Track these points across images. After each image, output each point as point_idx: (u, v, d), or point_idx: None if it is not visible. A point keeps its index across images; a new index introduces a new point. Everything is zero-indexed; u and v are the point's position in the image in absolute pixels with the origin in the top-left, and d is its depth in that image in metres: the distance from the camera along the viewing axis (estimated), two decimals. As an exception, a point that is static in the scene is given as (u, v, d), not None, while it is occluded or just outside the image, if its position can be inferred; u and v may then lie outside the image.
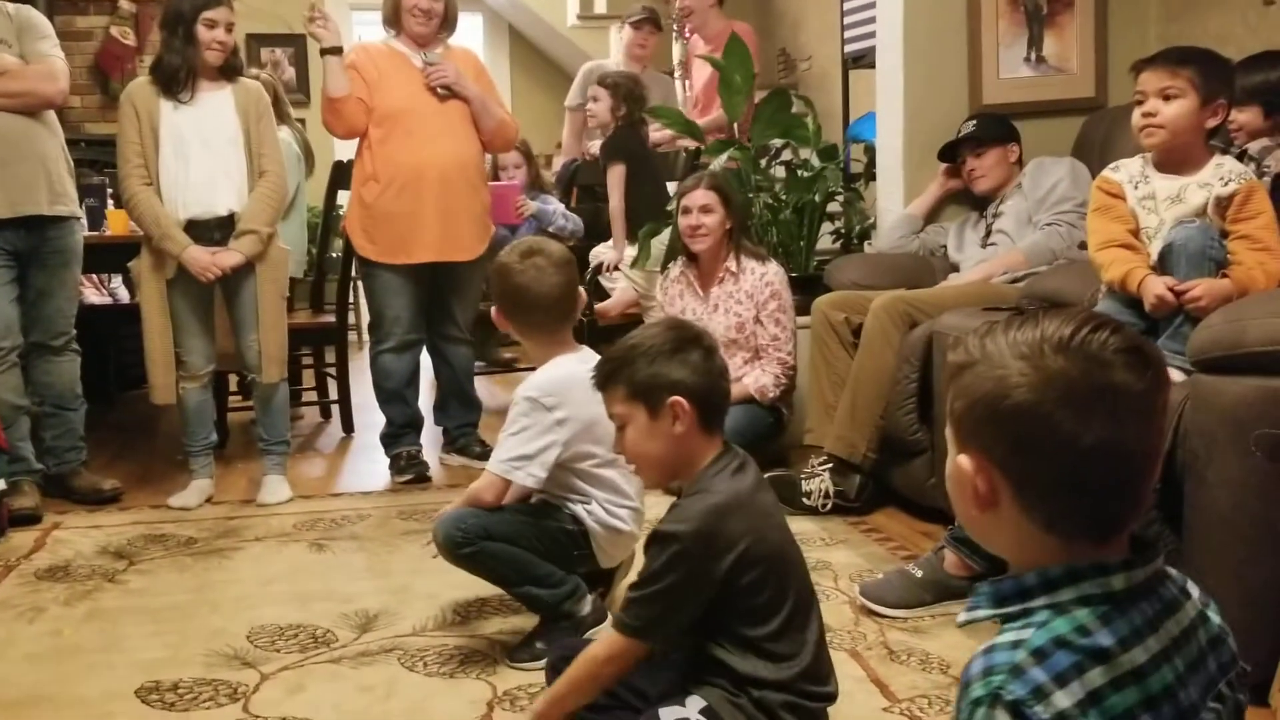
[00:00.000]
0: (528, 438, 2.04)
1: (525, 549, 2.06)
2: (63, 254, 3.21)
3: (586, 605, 2.09)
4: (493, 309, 2.21)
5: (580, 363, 2.07)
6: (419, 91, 3.34)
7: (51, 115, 3.20)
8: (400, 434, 3.50)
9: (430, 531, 2.13)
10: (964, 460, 0.93)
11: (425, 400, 3.72)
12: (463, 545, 2.03)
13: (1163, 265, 2.13)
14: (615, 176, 4.00)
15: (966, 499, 0.94)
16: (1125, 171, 2.28)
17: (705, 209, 3.29)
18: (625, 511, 2.15)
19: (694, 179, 3.38)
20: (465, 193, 3.39)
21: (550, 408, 2.04)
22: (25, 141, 3.09)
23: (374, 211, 3.34)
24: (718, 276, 3.35)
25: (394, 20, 3.41)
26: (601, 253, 4.19)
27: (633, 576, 2.22)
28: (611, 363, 1.60)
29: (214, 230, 3.10)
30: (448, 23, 3.43)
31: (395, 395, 3.48)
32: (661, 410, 1.54)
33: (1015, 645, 0.88)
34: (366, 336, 6.76)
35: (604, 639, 1.58)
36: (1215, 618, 0.97)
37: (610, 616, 1.56)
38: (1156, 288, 2.08)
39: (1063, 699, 0.85)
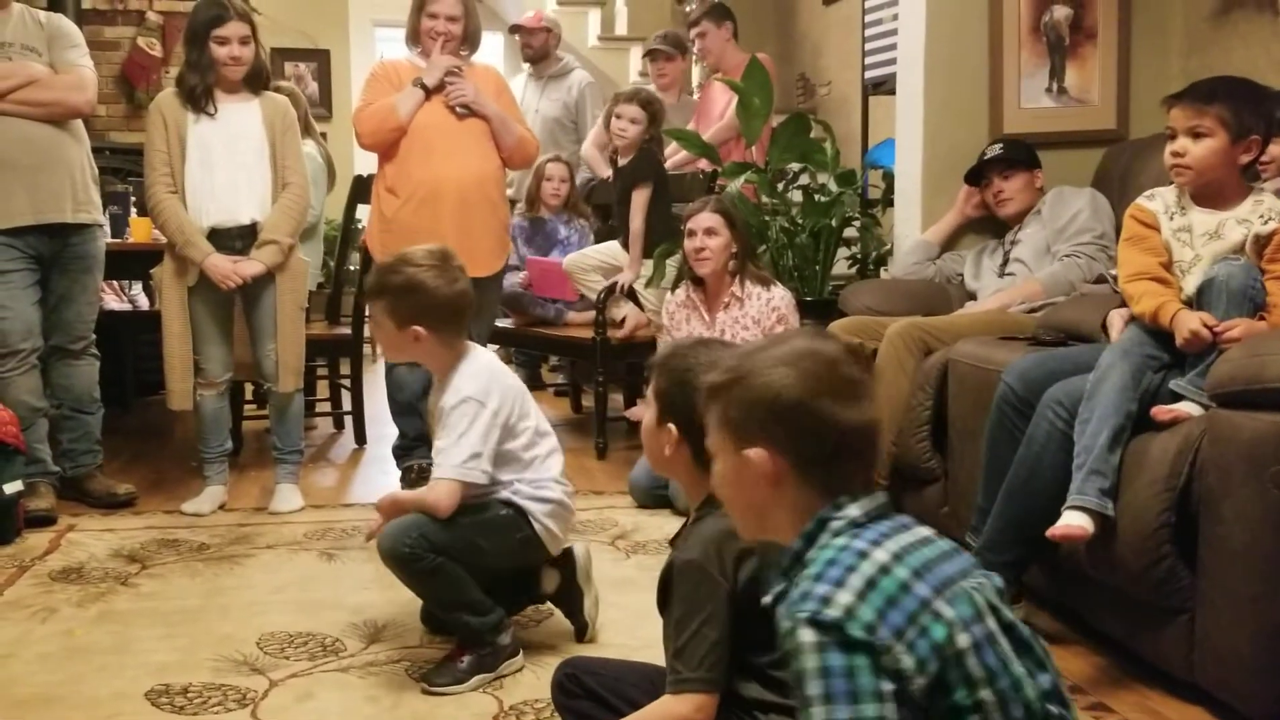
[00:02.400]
0: (474, 437, 2.07)
1: (470, 561, 2.05)
2: (84, 260, 3.24)
3: (508, 636, 2.08)
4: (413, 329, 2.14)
5: (479, 351, 2.21)
6: (439, 108, 3.37)
7: (78, 123, 3.25)
8: (412, 446, 3.51)
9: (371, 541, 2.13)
10: (754, 452, 1.14)
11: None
12: (410, 560, 2.01)
13: (1200, 300, 2.08)
14: (642, 198, 3.99)
15: (753, 485, 1.16)
16: (1161, 201, 2.23)
17: (710, 231, 3.30)
18: (553, 485, 2.17)
19: (700, 202, 3.40)
20: (483, 209, 3.41)
21: (485, 404, 2.09)
22: (52, 149, 3.13)
23: (392, 225, 3.36)
24: (723, 301, 3.36)
25: (415, 39, 3.46)
26: (606, 259, 4.18)
27: (599, 590, 2.24)
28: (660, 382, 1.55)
29: (235, 239, 3.14)
30: (469, 41, 3.46)
31: (408, 407, 3.49)
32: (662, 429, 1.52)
33: (800, 582, 1.09)
34: (380, 350, 6.83)
35: (673, 708, 1.45)
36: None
37: (669, 680, 1.46)
38: (1191, 323, 2.01)
39: (845, 595, 1.04)
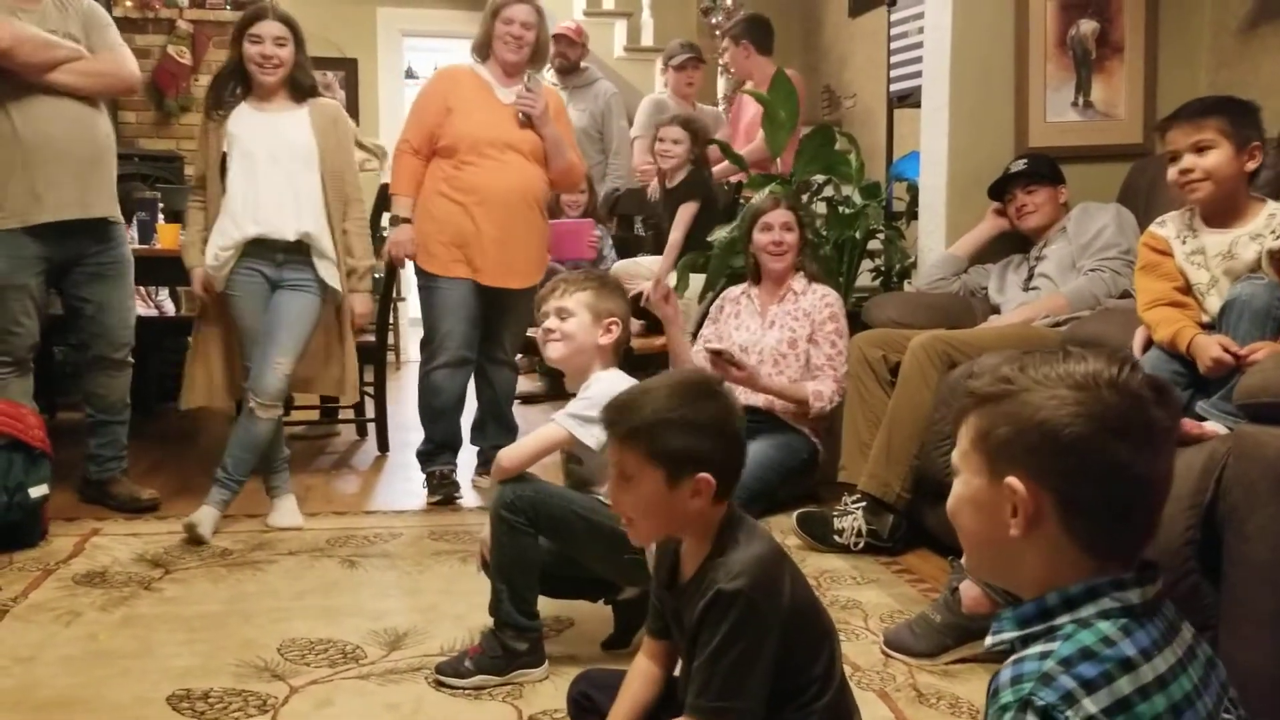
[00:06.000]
0: (598, 405, 2.03)
1: (565, 551, 2.07)
2: (119, 264, 3.24)
3: (525, 645, 2.07)
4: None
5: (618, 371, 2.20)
6: (498, 121, 3.37)
7: (109, 122, 3.24)
8: (437, 452, 3.52)
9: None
10: (1014, 482, 0.97)
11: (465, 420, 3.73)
12: (507, 510, 2.03)
13: (1222, 321, 2.07)
14: (688, 213, 4.16)
15: (1000, 521, 0.99)
16: (1172, 226, 2.23)
17: (786, 226, 3.37)
18: None
19: (769, 199, 3.44)
20: (527, 221, 3.42)
21: None
22: (101, 141, 3.13)
23: (438, 226, 3.36)
24: (779, 294, 3.40)
25: (485, 48, 3.44)
26: (633, 271, 4.22)
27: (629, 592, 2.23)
28: (635, 417, 1.49)
29: (279, 251, 3.11)
30: (539, 54, 3.46)
31: (442, 413, 3.49)
32: (683, 482, 1.46)
33: (1043, 656, 0.94)
34: (405, 357, 6.86)
35: None
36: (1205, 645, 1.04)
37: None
38: (1212, 350, 2.00)
39: (1091, 705, 0.89)
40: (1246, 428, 1.84)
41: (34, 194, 3.00)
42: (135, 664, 2.17)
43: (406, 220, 3.38)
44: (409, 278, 7.51)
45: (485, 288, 3.40)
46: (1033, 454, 0.97)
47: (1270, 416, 1.80)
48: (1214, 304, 2.11)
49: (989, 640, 1.02)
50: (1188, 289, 2.17)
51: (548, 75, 5.43)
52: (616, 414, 1.52)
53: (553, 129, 3.41)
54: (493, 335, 3.53)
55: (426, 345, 3.48)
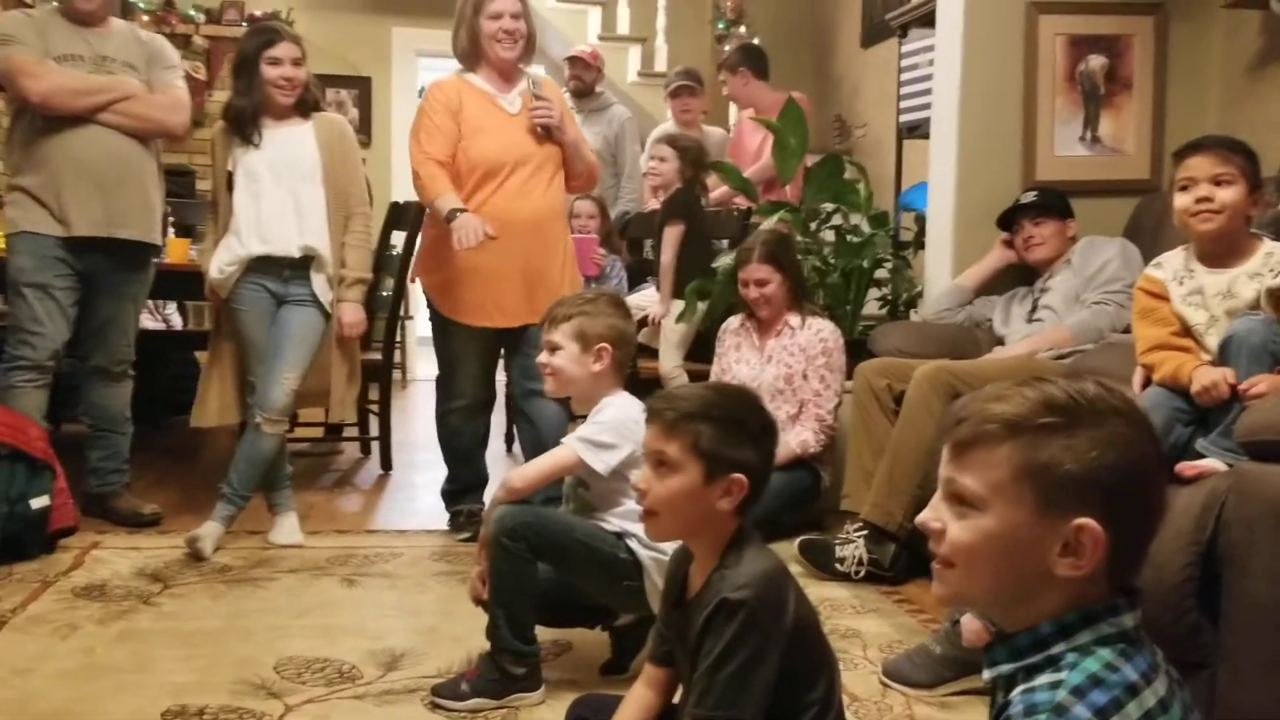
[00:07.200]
0: (611, 429, 2.08)
1: (565, 579, 2.06)
2: (143, 284, 3.32)
3: (522, 670, 2.06)
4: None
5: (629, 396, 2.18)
6: (512, 138, 3.11)
7: (156, 144, 3.29)
8: (462, 493, 3.35)
9: (467, 573, 2.14)
10: (1091, 524, 0.93)
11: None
12: (507, 537, 2.00)
13: (1221, 357, 2.09)
14: (673, 235, 4.06)
15: (1038, 559, 0.95)
16: (1169, 268, 2.25)
17: (760, 283, 3.36)
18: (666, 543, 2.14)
19: (748, 250, 3.39)
20: (554, 244, 3.18)
21: (639, 422, 2.05)
22: (135, 165, 3.19)
23: (457, 265, 3.04)
24: (776, 329, 3.42)
25: (473, 53, 3.15)
26: (643, 305, 4.23)
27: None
28: (686, 405, 1.53)
29: (285, 267, 3.12)
30: (530, 47, 3.18)
31: (465, 456, 3.32)
32: (718, 480, 1.50)
33: (1054, 686, 0.93)
34: (412, 375, 6.87)
35: None
36: None
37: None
38: (1211, 376, 2.03)
39: None
40: (1247, 465, 1.84)
41: (62, 208, 3.10)
42: (132, 679, 2.17)
43: (463, 209, 2.95)
44: (417, 295, 7.49)
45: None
46: (1106, 491, 0.93)
47: (1271, 454, 1.80)
48: (1213, 343, 2.12)
49: (986, 674, 1.02)
50: (1185, 332, 2.18)
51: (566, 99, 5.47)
52: (666, 402, 1.57)
53: (573, 133, 3.21)
54: (523, 369, 3.19)
55: (443, 386, 3.29)
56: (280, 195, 3.10)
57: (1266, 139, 2.58)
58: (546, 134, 3.13)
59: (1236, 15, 3.26)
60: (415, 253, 3.36)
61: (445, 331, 3.22)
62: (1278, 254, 2.14)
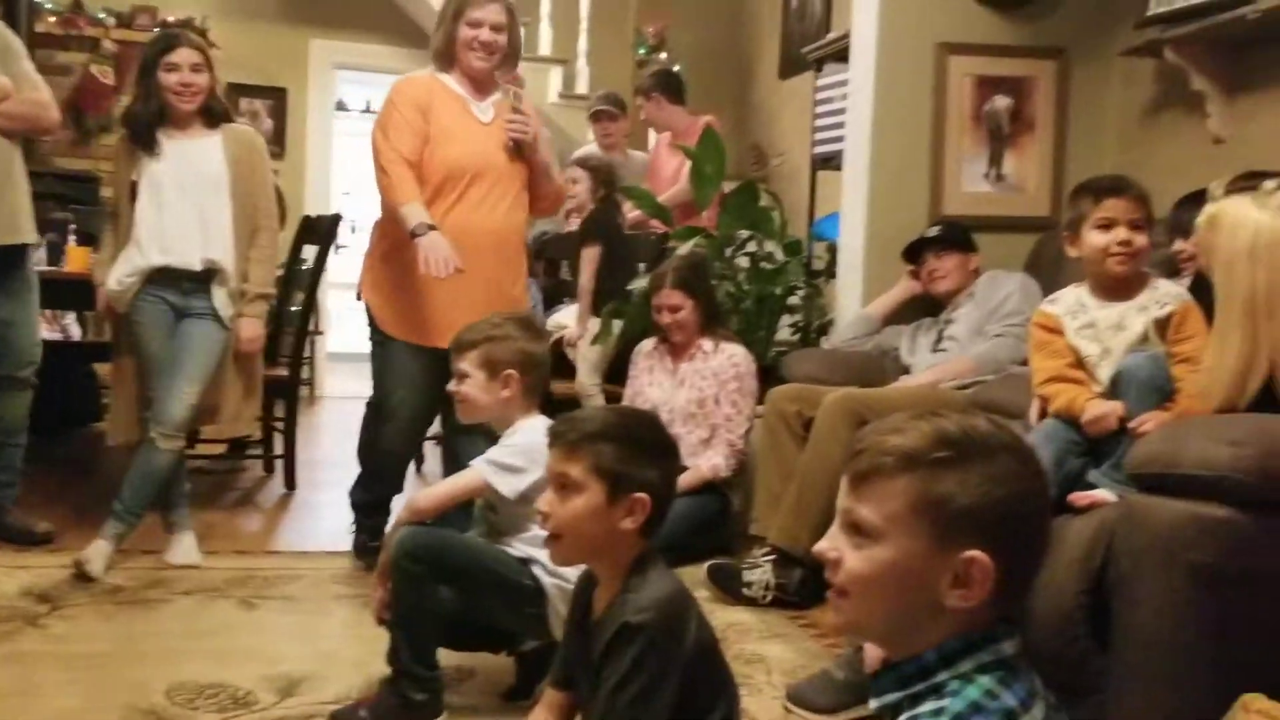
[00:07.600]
0: (521, 452, 2.06)
1: (470, 604, 2.03)
2: (29, 280, 3.18)
3: (423, 696, 2.03)
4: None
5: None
6: (480, 147, 2.97)
7: (21, 141, 3.17)
8: (374, 507, 3.17)
9: (370, 596, 2.11)
10: (980, 556, 0.95)
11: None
12: (408, 560, 1.97)
13: (1114, 392, 2.16)
14: (591, 255, 4.09)
15: (929, 589, 0.97)
16: (1062, 304, 2.35)
17: (673, 309, 3.40)
18: (570, 572, 2.12)
19: (661, 275, 3.45)
20: (515, 263, 3.07)
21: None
22: (8, 167, 3.06)
23: (408, 282, 2.90)
24: (690, 353, 3.45)
25: (447, 56, 3.01)
26: (562, 323, 4.23)
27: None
28: (586, 427, 1.56)
29: (184, 279, 3.04)
30: (510, 58, 3.04)
31: (386, 474, 3.16)
32: (621, 500, 1.52)
33: (937, 713, 0.96)
34: (320, 392, 6.75)
35: None
36: None
37: None
38: (1099, 409, 2.11)
39: None
40: (1136, 497, 1.90)
41: None
42: (14, 703, 2.09)
43: (432, 227, 2.80)
44: (329, 309, 7.36)
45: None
46: (996, 525, 0.95)
47: (1159, 486, 1.86)
48: (1105, 374, 2.22)
49: (873, 703, 1.04)
50: (1079, 364, 2.27)
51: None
52: (567, 424, 1.58)
53: (544, 153, 3.06)
54: None
55: (375, 408, 3.12)
56: (185, 207, 3.02)
57: (1158, 182, 2.69)
58: (518, 150, 3.00)
59: (1132, 63, 3.41)
60: (363, 265, 3.12)
61: (383, 349, 3.06)
62: (1162, 288, 2.26)
